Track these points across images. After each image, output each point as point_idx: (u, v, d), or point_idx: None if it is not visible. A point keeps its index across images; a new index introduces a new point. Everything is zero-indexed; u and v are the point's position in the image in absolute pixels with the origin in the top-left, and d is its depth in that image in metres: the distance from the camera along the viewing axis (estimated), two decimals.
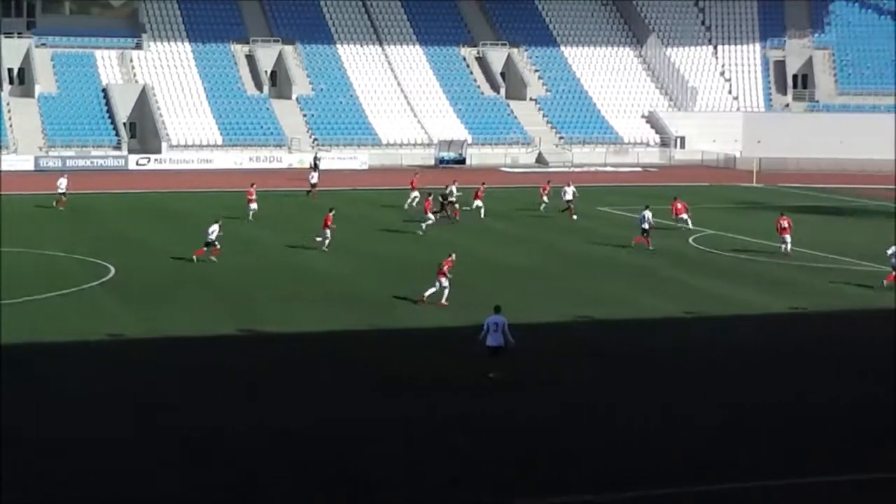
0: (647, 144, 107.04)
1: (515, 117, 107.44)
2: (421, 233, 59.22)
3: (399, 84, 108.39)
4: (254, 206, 63.65)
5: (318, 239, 53.94)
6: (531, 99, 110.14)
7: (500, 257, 53.10)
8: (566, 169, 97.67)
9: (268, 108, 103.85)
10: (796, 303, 44.15)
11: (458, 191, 67.24)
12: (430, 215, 60.53)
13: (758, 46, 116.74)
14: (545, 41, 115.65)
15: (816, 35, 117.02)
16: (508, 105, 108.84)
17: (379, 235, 59.58)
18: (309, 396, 30.77)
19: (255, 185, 65.71)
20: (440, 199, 64.11)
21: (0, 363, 33.27)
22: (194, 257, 50.35)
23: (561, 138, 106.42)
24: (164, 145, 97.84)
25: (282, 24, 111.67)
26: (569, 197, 66.82)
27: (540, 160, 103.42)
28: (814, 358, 35.96)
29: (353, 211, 67.42)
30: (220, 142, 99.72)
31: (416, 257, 51.46)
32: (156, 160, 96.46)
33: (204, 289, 44.65)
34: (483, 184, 69.43)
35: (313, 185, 75.07)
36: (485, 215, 65.44)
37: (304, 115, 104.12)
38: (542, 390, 31.92)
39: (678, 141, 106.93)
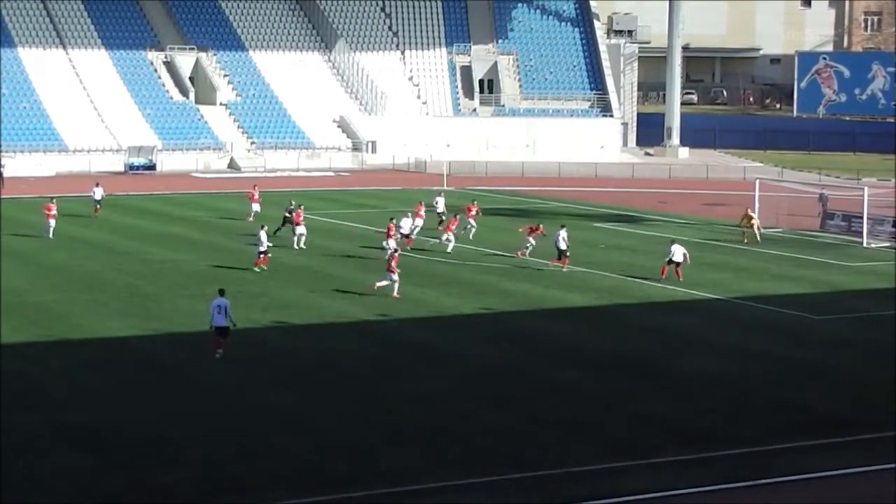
0: (339, 149, 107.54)
1: (206, 122, 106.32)
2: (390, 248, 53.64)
3: (85, 89, 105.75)
4: (255, 206, 66.51)
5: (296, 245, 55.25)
6: (221, 104, 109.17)
7: (183, 264, 52.62)
8: (259, 174, 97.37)
9: None
10: (486, 304, 45.26)
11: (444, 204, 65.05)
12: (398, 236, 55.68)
13: (444, 52, 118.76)
14: (233, 45, 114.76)
15: (500, 41, 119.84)
16: (199, 110, 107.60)
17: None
18: None
19: (256, 187, 68.92)
20: (285, 214, 60.03)
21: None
22: (256, 268, 50.48)
23: (253, 143, 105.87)
24: None
25: None
26: (440, 209, 63.88)
27: (232, 165, 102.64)
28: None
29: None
30: None
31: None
32: None
33: None
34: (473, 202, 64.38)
35: (98, 202, 69.51)
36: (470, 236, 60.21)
37: None
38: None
39: (370, 145, 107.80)
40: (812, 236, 64.82)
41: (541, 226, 56.04)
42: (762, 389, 33.59)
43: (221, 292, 36.28)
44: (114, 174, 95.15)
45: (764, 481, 26.08)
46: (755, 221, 62.38)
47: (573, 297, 46.75)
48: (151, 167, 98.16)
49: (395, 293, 45.21)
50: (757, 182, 69.52)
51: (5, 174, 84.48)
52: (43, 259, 53.71)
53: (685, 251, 50.79)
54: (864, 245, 62.02)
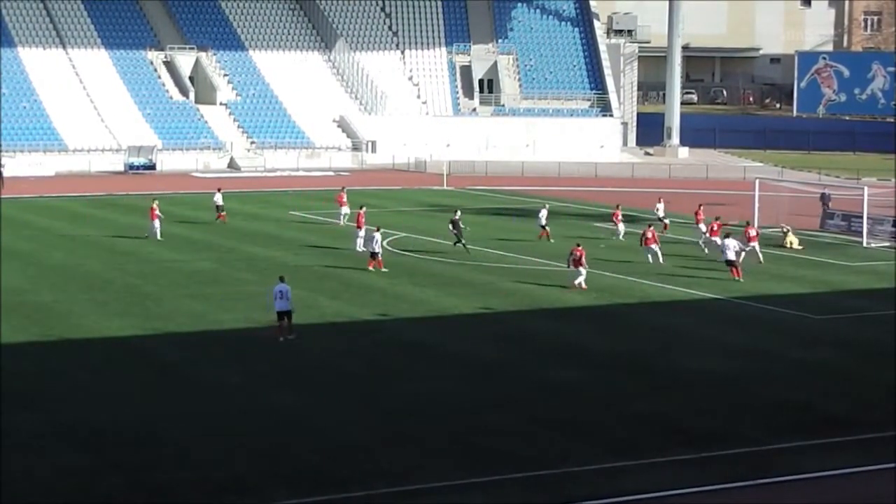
0: (339, 149, 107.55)
1: (206, 122, 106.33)
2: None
3: (85, 88, 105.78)
4: (345, 209, 66.57)
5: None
6: (221, 104, 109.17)
7: (183, 264, 52.65)
8: (259, 174, 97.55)
9: None
10: (486, 303, 45.24)
11: (663, 211, 65.87)
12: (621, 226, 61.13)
13: (444, 51, 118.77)
14: (233, 45, 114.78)
15: (500, 41, 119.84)
16: (198, 110, 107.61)
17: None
18: None
19: (344, 189, 69.61)
20: (450, 225, 58.55)
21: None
22: (383, 269, 50.65)
23: (253, 143, 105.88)
24: None
25: None
26: (661, 214, 65.93)
27: (232, 165, 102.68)
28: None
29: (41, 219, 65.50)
30: None
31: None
32: None
33: None
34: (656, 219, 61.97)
35: (219, 207, 67.19)
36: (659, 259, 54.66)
37: None
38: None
39: (369, 145, 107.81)
40: (812, 236, 64.76)
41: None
42: (762, 389, 33.56)
43: (282, 279, 38.93)
44: (114, 174, 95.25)
45: (764, 481, 26.06)
46: (786, 229, 61.84)
47: (573, 297, 46.71)
48: (151, 167, 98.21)
49: (584, 284, 47.62)
50: (757, 182, 69.38)
51: (5, 174, 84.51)
52: (43, 259, 53.72)
53: (738, 246, 51.47)
54: (864, 245, 61.98)
